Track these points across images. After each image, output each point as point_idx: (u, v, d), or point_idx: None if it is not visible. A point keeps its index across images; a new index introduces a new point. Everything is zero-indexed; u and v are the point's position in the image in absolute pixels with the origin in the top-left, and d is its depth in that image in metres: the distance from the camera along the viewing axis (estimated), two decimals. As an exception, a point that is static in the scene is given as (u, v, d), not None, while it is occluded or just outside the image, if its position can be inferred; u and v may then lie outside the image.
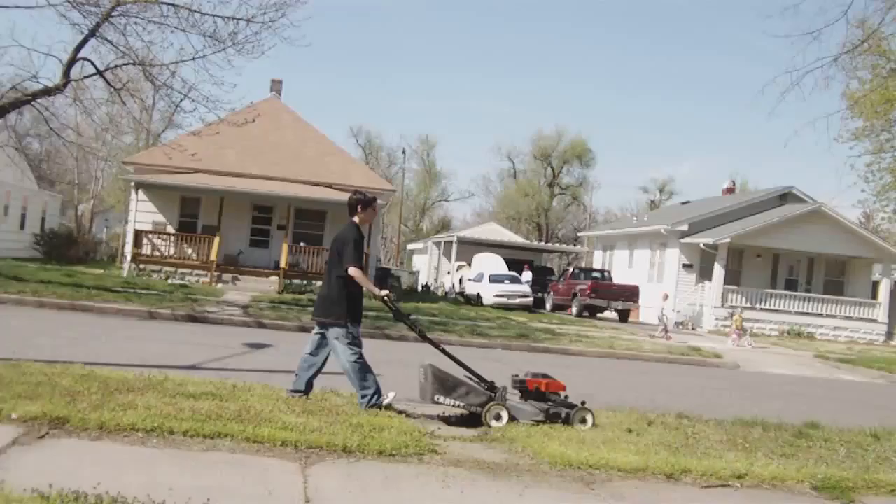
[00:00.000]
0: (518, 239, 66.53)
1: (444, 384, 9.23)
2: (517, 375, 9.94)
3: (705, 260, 41.04)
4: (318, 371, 9.48)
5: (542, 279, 46.89)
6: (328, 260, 9.75)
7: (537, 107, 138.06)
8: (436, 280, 55.60)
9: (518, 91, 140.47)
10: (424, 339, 9.99)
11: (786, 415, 11.15)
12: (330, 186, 35.44)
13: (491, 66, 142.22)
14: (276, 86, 42.73)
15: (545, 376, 9.89)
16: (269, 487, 5.84)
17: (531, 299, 40.08)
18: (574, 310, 39.84)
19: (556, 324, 30.81)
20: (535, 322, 30.28)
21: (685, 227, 42.40)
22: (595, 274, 44.89)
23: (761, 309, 38.69)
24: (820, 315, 40.47)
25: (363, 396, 9.14)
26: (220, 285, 32.43)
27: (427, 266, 61.39)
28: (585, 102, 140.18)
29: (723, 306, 39.07)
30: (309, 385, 9.44)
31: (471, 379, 9.53)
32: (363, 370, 9.17)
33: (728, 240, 39.14)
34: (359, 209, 9.69)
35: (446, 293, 47.07)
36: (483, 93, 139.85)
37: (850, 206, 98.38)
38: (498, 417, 9.17)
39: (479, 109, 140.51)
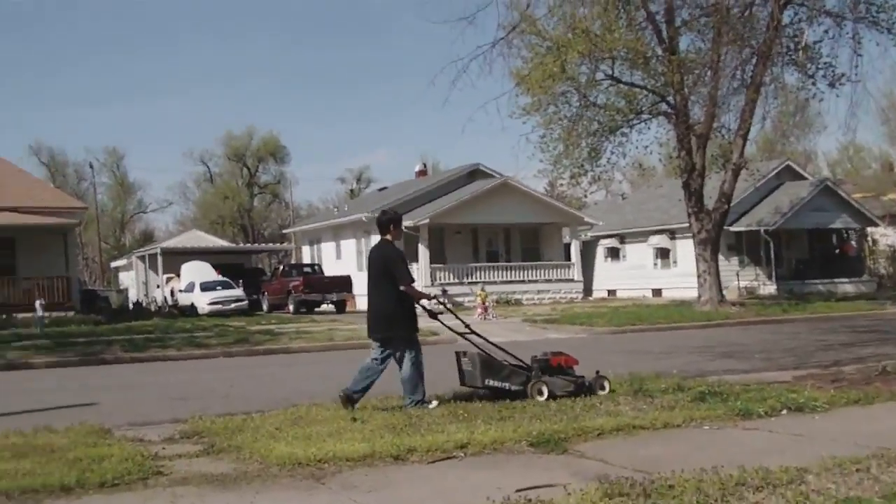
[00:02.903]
0: (223, 243, 65.54)
1: (490, 369, 10.43)
2: (536, 355, 10.99)
3: (409, 242, 42.08)
4: (373, 382, 10.33)
5: (254, 280, 46.37)
6: (371, 276, 10.45)
7: (226, 106, 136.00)
8: (146, 296, 53.63)
9: (204, 92, 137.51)
10: (469, 332, 10.93)
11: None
12: (14, 210, 33.36)
13: (173, 67, 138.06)
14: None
15: (562, 353, 11.11)
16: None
17: (247, 302, 39.70)
18: (291, 307, 39.84)
19: (275, 324, 30.67)
20: (254, 325, 30.01)
21: (385, 213, 43.23)
22: (306, 269, 45.14)
23: (469, 283, 40.24)
24: (523, 281, 42.72)
25: (412, 401, 10.12)
26: None
27: (135, 282, 59.07)
28: (273, 98, 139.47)
29: (433, 285, 40.33)
30: (364, 390, 10.30)
31: (509, 362, 10.71)
32: (418, 381, 10.19)
33: (427, 220, 40.46)
34: (391, 227, 10.48)
35: (159, 308, 45.61)
36: (168, 95, 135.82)
37: (532, 176, 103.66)
38: (540, 392, 10.35)
39: (166, 114, 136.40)
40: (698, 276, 32.35)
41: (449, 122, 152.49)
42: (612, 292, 49.28)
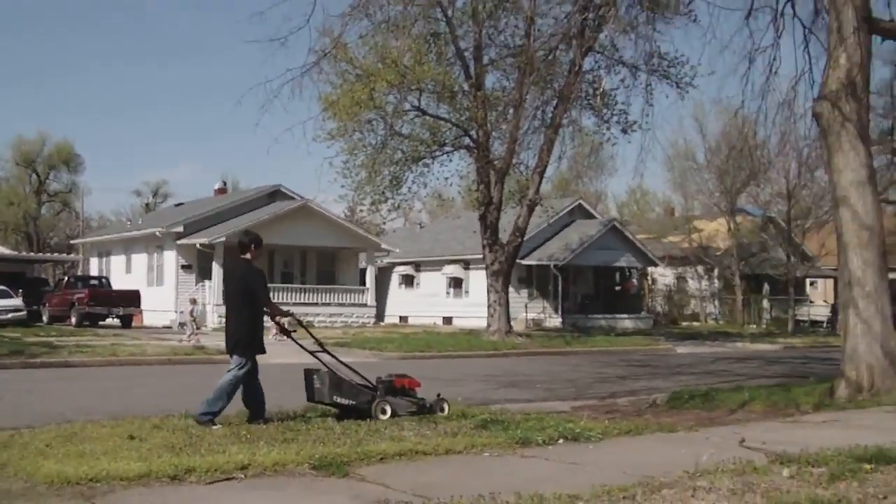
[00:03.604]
0: (4, 250, 62.17)
1: (338, 386, 10.76)
2: (381, 377, 11.43)
3: (203, 260, 41.34)
4: (259, 393, 10.53)
5: (36, 290, 44.17)
6: (231, 295, 10.71)
7: (18, 111, 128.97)
8: None
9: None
10: (321, 349, 11.22)
11: (287, 403, 11.52)
12: None
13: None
14: None
15: (405, 376, 11.61)
16: None
17: (25, 313, 37.74)
18: (73, 320, 38.32)
19: (55, 336, 29.53)
20: (32, 336, 28.66)
21: (181, 229, 42.36)
22: (92, 281, 43.64)
23: (262, 303, 39.66)
24: (317, 304, 42.53)
25: (203, 412, 9.99)
26: None
27: None
28: (71, 107, 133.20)
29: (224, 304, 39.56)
30: (259, 408, 10.47)
31: (356, 381, 11.11)
32: (225, 395, 10.13)
33: (223, 239, 39.77)
34: (252, 247, 10.70)
35: (-77, 318, 42.72)
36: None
37: (333, 200, 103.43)
38: (384, 411, 10.78)
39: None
40: (489, 307, 33.11)
41: (254, 142, 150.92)
42: (404, 319, 49.72)
